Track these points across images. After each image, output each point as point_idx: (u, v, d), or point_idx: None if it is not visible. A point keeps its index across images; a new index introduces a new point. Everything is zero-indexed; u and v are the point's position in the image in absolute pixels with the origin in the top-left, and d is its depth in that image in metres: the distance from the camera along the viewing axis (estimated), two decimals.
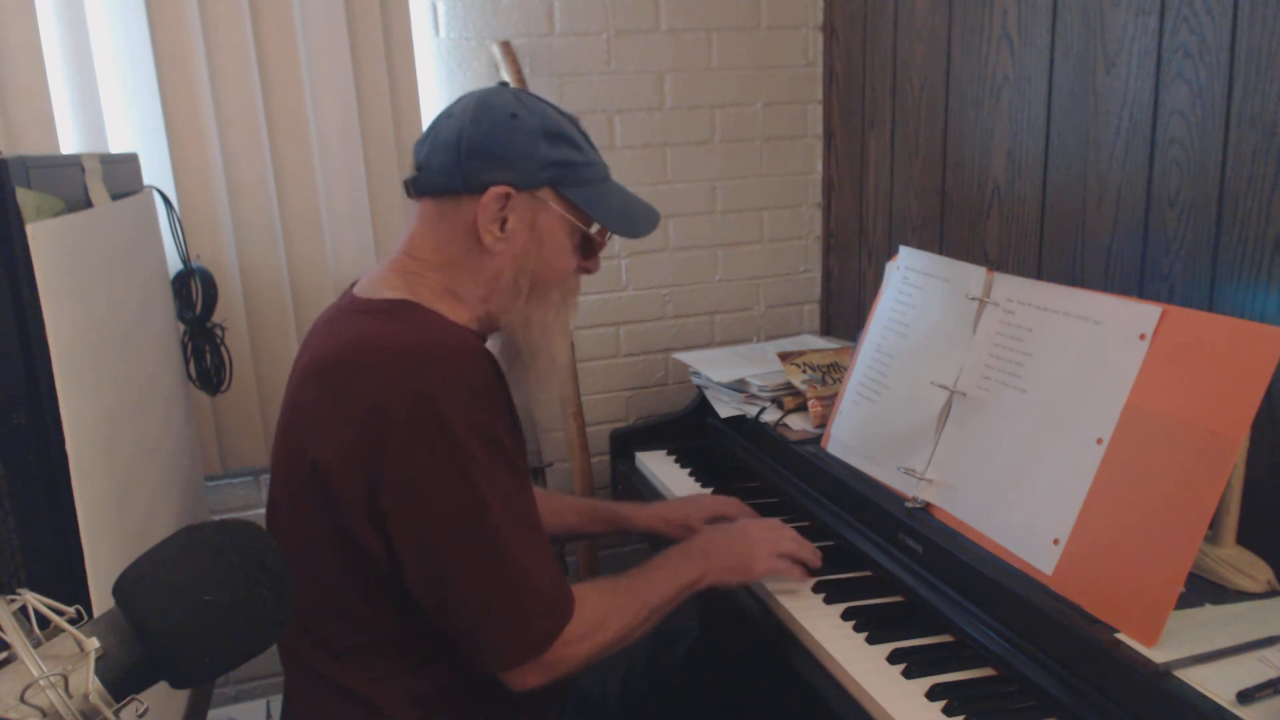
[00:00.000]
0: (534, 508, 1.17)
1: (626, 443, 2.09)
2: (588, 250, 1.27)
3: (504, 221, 1.18)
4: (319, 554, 1.15)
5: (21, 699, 0.62)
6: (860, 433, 1.58)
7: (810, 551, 1.40)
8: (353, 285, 1.28)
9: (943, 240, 1.98)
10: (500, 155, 1.17)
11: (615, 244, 2.27)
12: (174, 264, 1.75)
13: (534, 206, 1.19)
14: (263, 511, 1.32)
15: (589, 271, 1.29)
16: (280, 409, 1.25)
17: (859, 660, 1.21)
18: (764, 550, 1.36)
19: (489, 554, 1.10)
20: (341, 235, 1.98)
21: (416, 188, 1.22)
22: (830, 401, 1.73)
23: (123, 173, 1.44)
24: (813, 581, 1.40)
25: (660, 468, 1.96)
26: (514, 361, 1.26)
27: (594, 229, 1.24)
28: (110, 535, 1.02)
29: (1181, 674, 0.98)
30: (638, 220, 1.27)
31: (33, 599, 0.66)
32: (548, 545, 1.17)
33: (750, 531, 1.40)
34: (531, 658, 1.13)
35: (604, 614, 1.20)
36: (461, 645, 1.15)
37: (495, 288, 1.21)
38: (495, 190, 1.16)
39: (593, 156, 1.24)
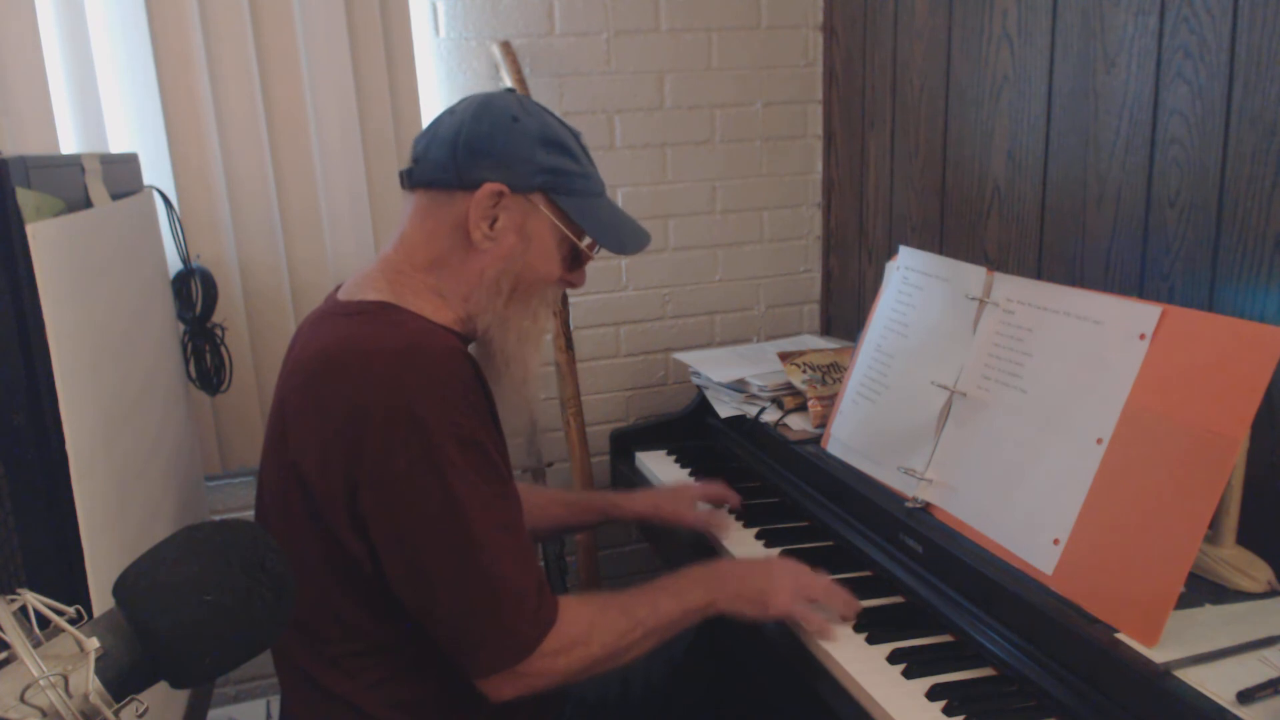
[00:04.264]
0: (516, 512, 1.15)
1: (626, 443, 2.09)
2: (574, 262, 1.26)
3: (494, 220, 1.18)
4: (307, 557, 1.14)
5: (21, 699, 0.62)
6: (860, 433, 1.58)
7: (843, 600, 1.29)
8: (336, 290, 1.28)
9: (943, 240, 1.98)
10: (496, 155, 1.18)
11: None
12: (174, 264, 1.75)
13: (525, 209, 1.20)
14: None
15: (573, 285, 1.29)
16: (269, 411, 1.25)
17: (859, 660, 1.21)
18: (787, 588, 1.28)
19: (465, 557, 1.09)
20: (341, 235, 1.98)
21: (411, 179, 1.23)
22: (830, 401, 1.73)
23: (123, 173, 1.44)
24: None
25: (660, 468, 1.96)
26: (488, 368, 1.25)
27: (585, 242, 1.24)
28: (110, 535, 1.02)
29: (1181, 674, 0.98)
30: (625, 237, 1.27)
31: (33, 599, 0.66)
32: (529, 551, 1.16)
33: (774, 568, 1.33)
34: (505, 667, 1.11)
35: (589, 629, 1.16)
36: (443, 649, 1.14)
37: (477, 286, 1.21)
38: (489, 187, 1.17)
39: (589, 170, 1.24)
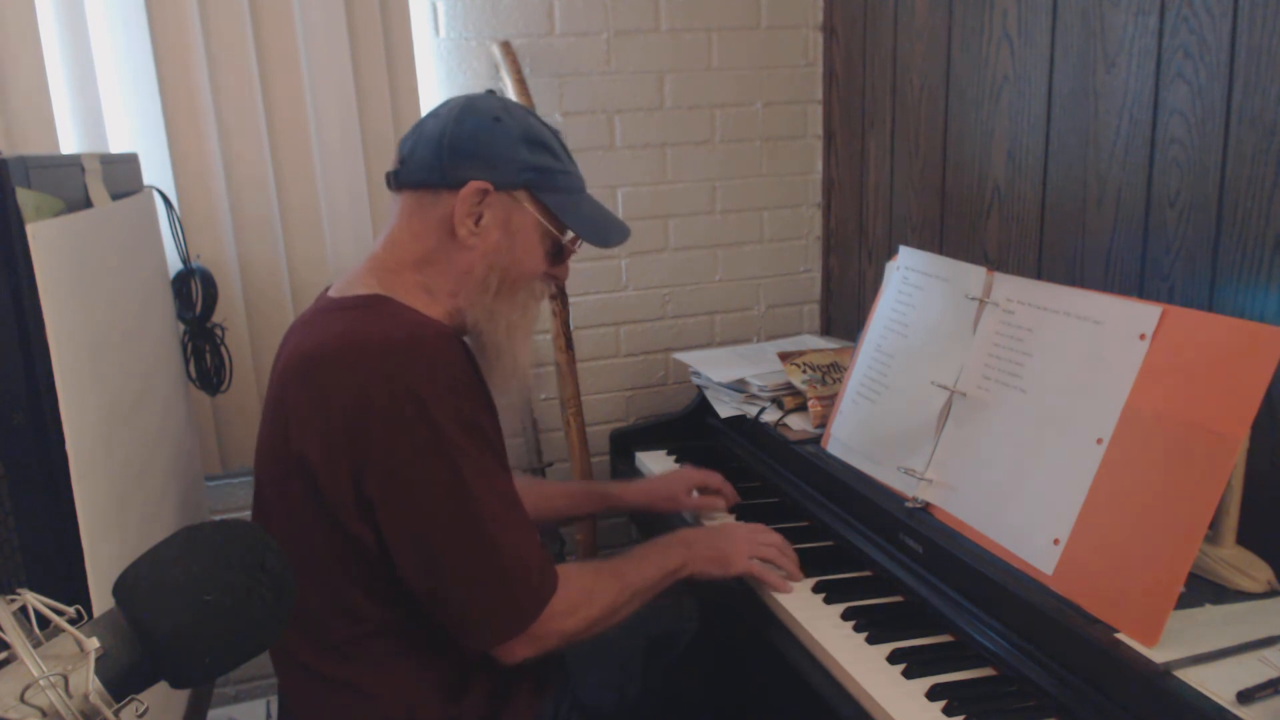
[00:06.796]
0: (514, 488, 1.21)
1: (626, 443, 2.09)
2: (557, 257, 1.31)
3: (479, 217, 1.23)
4: (311, 547, 1.17)
5: (21, 699, 0.62)
6: (860, 433, 1.58)
7: (792, 561, 1.41)
8: (326, 290, 1.31)
9: (943, 240, 1.98)
10: (481, 154, 1.22)
11: None
12: (174, 264, 1.75)
13: (509, 206, 1.24)
14: None
15: (557, 279, 1.34)
16: (263, 409, 1.27)
17: (859, 660, 1.21)
18: (744, 550, 1.40)
19: (475, 534, 1.13)
20: (341, 235, 1.97)
21: (397, 180, 1.27)
22: (830, 401, 1.73)
23: (123, 173, 1.44)
24: (812, 582, 1.40)
25: (660, 468, 1.96)
26: (480, 360, 1.29)
27: (566, 236, 1.30)
28: (110, 535, 1.02)
29: (1181, 674, 0.98)
30: (608, 231, 1.32)
31: (33, 599, 0.66)
32: (530, 524, 1.21)
33: (734, 531, 1.45)
34: (519, 631, 1.17)
35: (589, 591, 1.24)
36: (452, 624, 1.18)
37: (465, 282, 1.24)
38: (474, 185, 1.21)
39: (570, 167, 1.29)
